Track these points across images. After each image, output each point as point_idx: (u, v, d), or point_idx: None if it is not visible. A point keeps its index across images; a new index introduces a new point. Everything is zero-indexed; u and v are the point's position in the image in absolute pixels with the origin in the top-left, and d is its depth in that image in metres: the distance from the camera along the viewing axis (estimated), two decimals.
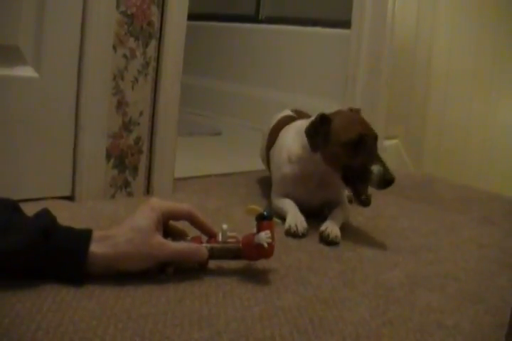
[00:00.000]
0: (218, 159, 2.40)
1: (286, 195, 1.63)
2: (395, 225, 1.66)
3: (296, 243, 1.43)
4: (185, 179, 1.92)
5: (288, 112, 1.89)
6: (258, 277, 1.18)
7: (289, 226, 1.48)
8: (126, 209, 1.54)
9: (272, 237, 1.15)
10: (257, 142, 1.99)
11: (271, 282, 1.17)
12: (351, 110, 1.59)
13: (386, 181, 1.42)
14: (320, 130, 1.50)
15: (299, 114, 1.85)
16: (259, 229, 1.15)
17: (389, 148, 2.47)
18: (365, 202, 1.49)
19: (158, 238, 1.09)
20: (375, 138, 1.48)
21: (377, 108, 2.36)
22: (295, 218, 1.51)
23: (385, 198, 1.95)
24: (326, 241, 1.44)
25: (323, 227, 1.48)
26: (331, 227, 1.47)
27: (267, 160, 1.83)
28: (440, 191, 2.15)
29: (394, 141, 2.51)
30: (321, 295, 1.13)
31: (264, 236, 1.14)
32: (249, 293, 1.10)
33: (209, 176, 2.04)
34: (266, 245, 1.13)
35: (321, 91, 2.90)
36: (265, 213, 1.17)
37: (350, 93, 2.37)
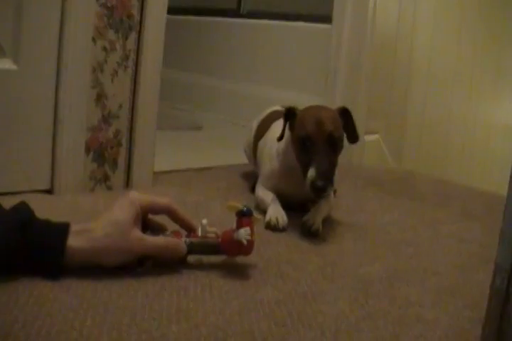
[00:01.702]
0: (198, 153, 2.39)
1: (272, 189, 1.63)
2: (376, 220, 1.67)
3: (275, 236, 1.43)
4: (164, 173, 1.92)
5: (278, 107, 1.89)
6: (237, 271, 1.18)
7: (270, 219, 1.48)
8: (105, 203, 1.53)
9: (252, 234, 1.15)
10: (238, 137, 1.99)
11: (250, 276, 1.16)
12: (341, 108, 1.54)
13: (313, 187, 1.38)
14: (286, 122, 1.53)
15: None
16: (239, 226, 1.15)
17: (369, 143, 2.47)
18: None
19: (137, 232, 1.09)
20: (326, 140, 1.43)
21: (357, 103, 2.36)
22: (276, 212, 1.51)
23: (366, 193, 1.96)
24: (308, 231, 1.44)
25: (306, 217, 1.48)
26: (313, 218, 1.47)
27: (253, 153, 1.84)
28: (420, 186, 2.16)
29: (374, 136, 2.51)
30: (299, 288, 1.13)
31: (243, 232, 1.14)
32: (228, 286, 1.10)
33: (189, 170, 2.03)
34: (245, 242, 1.13)
35: (303, 86, 2.90)
36: (245, 209, 1.17)
37: (331, 88, 2.37)
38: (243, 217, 1.16)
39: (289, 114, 1.54)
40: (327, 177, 1.39)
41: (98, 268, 1.07)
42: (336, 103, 2.31)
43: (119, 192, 1.67)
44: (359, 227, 1.58)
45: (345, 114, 1.53)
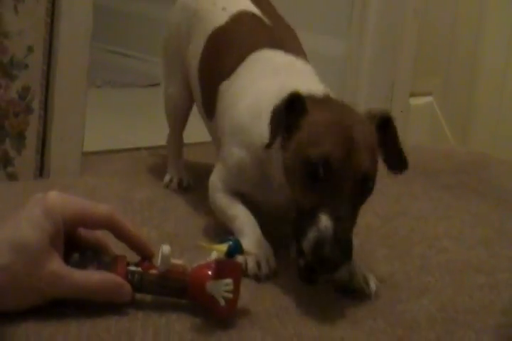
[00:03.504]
0: (154, 124, 2.38)
1: (238, 191, 1.51)
2: (425, 229, 1.68)
3: None
4: (100, 154, 1.93)
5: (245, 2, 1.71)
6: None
7: (248, 263, 1.35)
8: (4, 204, 1.52)
9: (236, 290, 1.12)
10: None
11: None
12: (381, 118, 1.37)
13: (316, 255, 1.18)
14: (284, 118, 1.32)
15: (268, 13, 1.69)
16: (218, 273, 1.12)
17: (417, 110, 2.46)
18: (305, 278, 1.26)
19: (55, 264, 1.06)
20: (358, 179, 1.26)
21: (399, 50, 2.36)
22: (256, 245, 1.40)
23: (411, 188, 1.96)
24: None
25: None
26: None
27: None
28: (498, 178, 2.16)
29: (426, 99, 2.51)
30: (307, 333, 1.12)
31: (222, 287, 1.10)
32: (196, 330, 1.09)
33: (138, 149, 2.04)
34: (222, 302, 1.10)
35: (316, 25, 2.89)
36: (230, 245, 1.13)
37: (358, 26, 2.37)
38: (226, 258, 1.13)
39: (294, 105, 1.33)
40: (347, 242, 1.21)
41: None
42: (364, 50, 2.32)
43: (27, 183, 1.67)
44: (400, 240, 1.59)
45: (384, 128, 1.37)
